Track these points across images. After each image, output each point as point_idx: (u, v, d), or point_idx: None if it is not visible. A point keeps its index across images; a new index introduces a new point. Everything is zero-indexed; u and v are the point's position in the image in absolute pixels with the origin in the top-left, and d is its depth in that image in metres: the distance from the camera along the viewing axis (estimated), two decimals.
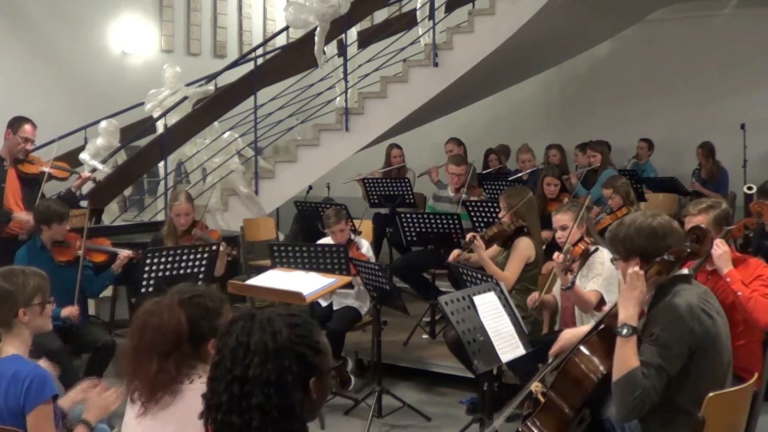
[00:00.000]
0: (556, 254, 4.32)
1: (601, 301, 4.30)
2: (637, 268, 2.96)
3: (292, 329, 1.88)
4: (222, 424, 1.84)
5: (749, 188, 7.88)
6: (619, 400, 2.82)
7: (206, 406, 1.90)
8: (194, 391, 2.31)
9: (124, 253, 5.30)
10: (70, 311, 4.92)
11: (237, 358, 1.84)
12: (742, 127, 8.72)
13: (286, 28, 9.58)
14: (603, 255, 4.45)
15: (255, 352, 1.83)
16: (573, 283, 4.18)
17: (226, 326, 1.92)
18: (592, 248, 4.43)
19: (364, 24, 9.83)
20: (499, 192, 7.16)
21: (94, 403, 3.07)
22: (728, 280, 3.64)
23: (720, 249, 3.65)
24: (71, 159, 8.44)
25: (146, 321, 2.50)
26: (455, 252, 5.29)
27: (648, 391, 2.77)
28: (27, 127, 5.88)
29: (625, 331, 2.85)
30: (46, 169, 5.93)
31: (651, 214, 3.11)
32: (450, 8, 8.71)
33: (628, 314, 2.89)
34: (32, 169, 5.94)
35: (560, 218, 4.63)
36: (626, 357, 2.83)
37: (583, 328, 3.57)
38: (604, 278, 4.34)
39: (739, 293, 3.59)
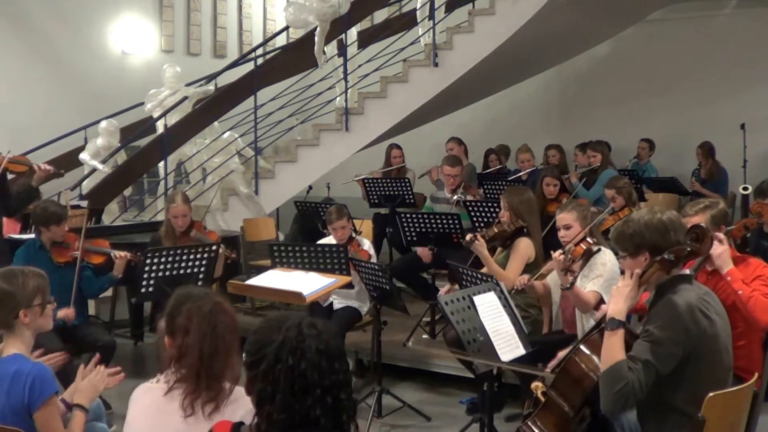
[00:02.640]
0: (557, 252, 4.30)
1: (601, 302, 4.28)
2: (637, 270, 2.98)
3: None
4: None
5: (744, 188, 7.88)
6: (603, 392, 2.85)
7: (288, 427, 1.86)
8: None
9: (120, 254, 5.26)
10: (65, 314, 4.89)
11: (322, 369, 1.84)
12: (742, 127, 8.72)
13: (286, 28, 9.58)
14: (605, 256, 4.41)
15: (334, 358, 1.85)
16: (572, 283, 4.16)
17: (294, 341, 1.89)
18: (595, 248, 4.40)
19: (364, 24, 9.84)
20: (498, 192, 7.16)
21: (85, 385, 3.07)
22: (729, 278, 3.63)
23: (719, 248, 3.65)
24: (71, 159, 8.48)
25: (215, 323, 2.49)
26: (445, 288, 5.28)
27: (632, 385, 2.78)
28: None
29: (611, 324, 2.88)
30: (2, 166, 5.71)
31: (657, 210, 3.12)
32: (450, 8, 8.71)
33: (616, 308, 2.92)
34: None
35: (564, 217, 4.59)
36: (612, 350, 2.86)
37: None
38: (605, 279, 4.30)
39: (740, 292, 3.59)
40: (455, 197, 6.77)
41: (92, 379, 3.08)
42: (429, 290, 6.22)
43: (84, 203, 6.91)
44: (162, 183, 8.41)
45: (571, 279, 4.15)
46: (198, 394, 2.47)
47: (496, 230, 5.22)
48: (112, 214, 8.24)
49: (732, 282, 3.62)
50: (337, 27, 8.41)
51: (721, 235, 3.70)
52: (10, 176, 5.82)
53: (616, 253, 4.42)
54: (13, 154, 5.89)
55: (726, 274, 3.64)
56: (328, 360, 1.85)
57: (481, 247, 5.07)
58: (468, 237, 5.17)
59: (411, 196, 7.46)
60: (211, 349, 2.47)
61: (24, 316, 2.98)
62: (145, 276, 5.03)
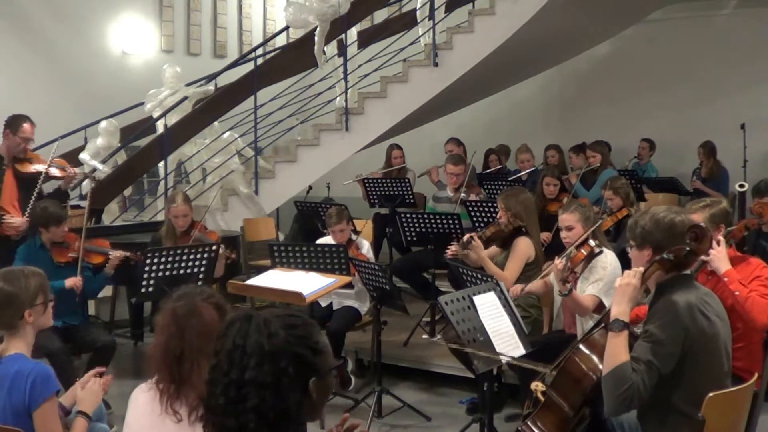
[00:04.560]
0: (557, 260, 4.29)
1: (600, 305, 4.26)
2: (640, 269, 2.98)
3: (289, 330, 1.86)
4: (220, 427, 1.84)
5: (741, 186, 7.87)
6: (608, 394, 2.84)
7: (204, 410, 1.89)
8: None
9: (115, 254, 5.27)
10: (74, 282, 4.92)
11: (233, 360, 1.83)
12: (742, 127, 8.72)
13: (286, 28, 9.58)
14: (606, 259, 4.38)
15: (251, 355, 1.82)
16: (570, 291, 4.14)
17: (223, 329, 1.91)
18: (597, 250, 4.37)
19: (364, 24, 9.83)
20: (498, 192, 7.16)
21: (86, 393, 3.08)
22: (726, 279, 3.63)
23: (715, 248, 3.65)
24: (71, 159, 8.45)
25: (184, 325, 2.46)
26: (453, 248, 5.28)
27: (636, 386, 2.79)
28: (26, 126, 5.81)
29: (616, 326, 2.88)
30: (43, 169, 5.82)
31: (675, 210, 3.13)
32: (450, 8, 8.71)
33: (620, 310, 2.92)
34: (30, 168, 5.89)
35: (566, 218, 4.55)
36: (616, 351, 2.85)
37: None
38: (605, 283, 4.27)
39: (737, 293, 3.58)
40: (461, 195, 6.77)
41: (93, 387, 3.09)
42: (429, 290, 6.22)
43: (84, 203, 6.91)
44: (162, 183, 8.41)
45: (569, 286, 4.12)
46: (173, 396, 2.45)
47: (493, 230, 5.21)
48: (112, 214, 8.24)
49: (729, 283, 3.61)
50: (337, 27, 8.41)
51: (720, 237, 3.69)
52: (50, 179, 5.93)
53: (618, 253, 4.44)
54: (53, 156, 5.97)
55: (723, 275, 3.64)
56: (242, 354, 1.82)
57: (478, 248, 5.05)
58: (465, 237, 5.15)
59: (411, 196, 7.47)
60: (177, 351, 2.45)
61: (29, 316, 3.00)
62: (145, 276, 5.04)
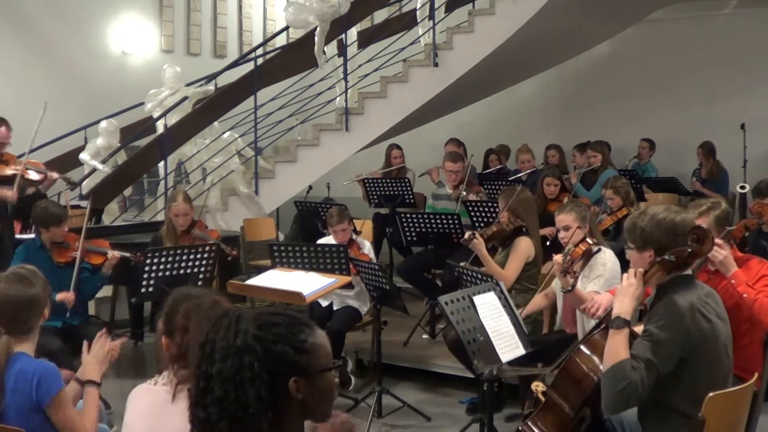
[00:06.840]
0: (556, 256, 4.31)
1: None
2: (640, 270, 2.98)
3: (266, 328, 1.86)
4: (193, 417, 1.88)
5: (742, 187, 7.87)
6: (606, 390, 2.85)
7: (189, 403, 1.93)
8: None
9: (113, 254, 5.26)
10: (65, 296, 4.90)
11: (204, 353, 1.87)
12: (742, 127, 8.72)
13: (286, 28, 9.57)
14: (605, 256, 4.43)
15: (219, 349, 1.85)
16: (573, 286, 4.16)
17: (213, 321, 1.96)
18: (595, 248, 4.41)
19: (364, 24, 9.83)
20: (498, 192, 7.17)
21: (89, 361, 3.07)
22: (733, 281, 3.63)
23: (721, 253, 3.65)
24: (71, 159, 8.47)
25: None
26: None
27: (635, 384, 2.79)
28: (2, 129, 5.83)
29: (617, 323, 2.88)
30: (19, 171, 5.79)
31: (675, 209, 3.12)
32: (450, 8, 8.71)
33: (622, 308, 2.93)
34: (6, 170, 5.87)
35: (563, 218, 4.58)
36: (616, 349, 2.86)
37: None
38: (606, 279, 4.31)
39: (745, 295, 3.59)
40: (460, 193, 6.77)
41: (96, 352, 3.08)
42: (435, 290, 6.21)
43: (84, 203, 6.91)
44: (162, 183, 8.40)
45: (571, 282, 4.14)
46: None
47: (494, 229, 5.23)
48: (112, 214, 8.24)
49: (737, 285, 3.62)
50: (337, 27, 8.41)
51: (720, 241, 3.69)
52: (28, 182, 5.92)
53: (618, 252, 4.44)
54: (27, 158, 5.96)
55: (730, 276, 3.65)
56: (212, 348, 1.86)
57: (479, 245, 5.08)
58: (467, 235, 5.18)
59: (411, 196, 7.47)
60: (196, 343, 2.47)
61: (45, 313, 3.02)
62: (145, 276, 5.04)
